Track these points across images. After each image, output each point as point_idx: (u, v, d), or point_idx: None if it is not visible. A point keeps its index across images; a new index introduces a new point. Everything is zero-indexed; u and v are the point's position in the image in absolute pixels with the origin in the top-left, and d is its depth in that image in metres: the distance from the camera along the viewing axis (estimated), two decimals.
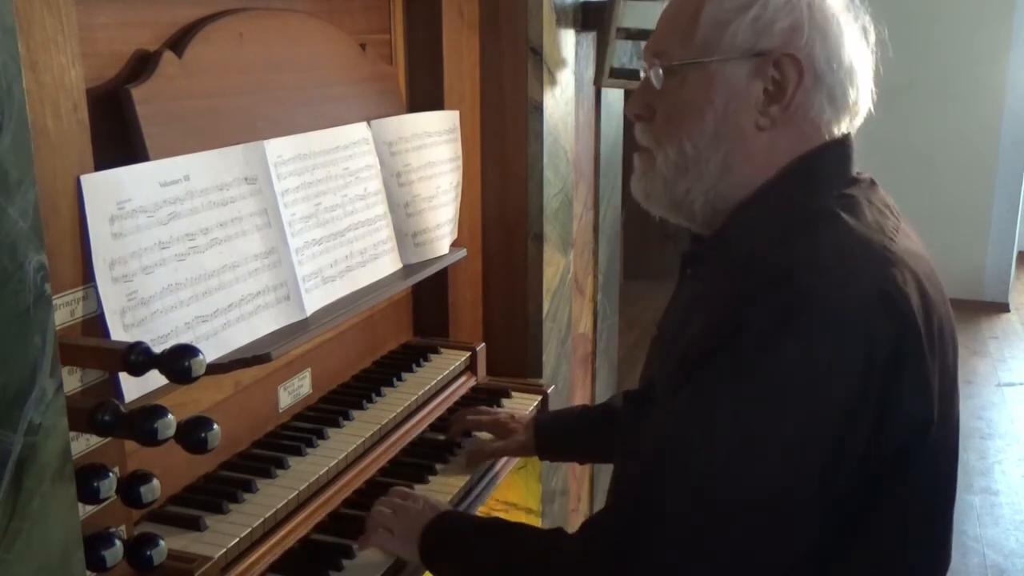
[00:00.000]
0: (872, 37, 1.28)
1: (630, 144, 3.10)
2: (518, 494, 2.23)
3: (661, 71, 1.26)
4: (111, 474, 1.01)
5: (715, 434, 1.13)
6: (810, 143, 1.25)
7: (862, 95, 1.27)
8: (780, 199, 1.24)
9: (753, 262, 1.18)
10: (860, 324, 1.09)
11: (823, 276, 1.11)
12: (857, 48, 1.25)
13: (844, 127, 1.27)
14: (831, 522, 1.15)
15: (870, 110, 1.29)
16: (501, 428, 1.85)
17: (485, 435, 1.87)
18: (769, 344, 1.10)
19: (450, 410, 1.95)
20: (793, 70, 1.20)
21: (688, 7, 1.26)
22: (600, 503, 2.76)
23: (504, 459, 1.86)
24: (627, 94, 2.71)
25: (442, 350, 2.07)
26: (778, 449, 1.11)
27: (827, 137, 1.25)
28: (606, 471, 2.91)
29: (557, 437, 1.82)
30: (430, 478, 1.70)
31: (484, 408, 1.94)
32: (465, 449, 1.81)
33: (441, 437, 1.85)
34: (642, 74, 1.34)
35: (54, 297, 0.94)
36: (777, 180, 1.24)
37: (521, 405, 2.04)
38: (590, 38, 2.45)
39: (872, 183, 1.28)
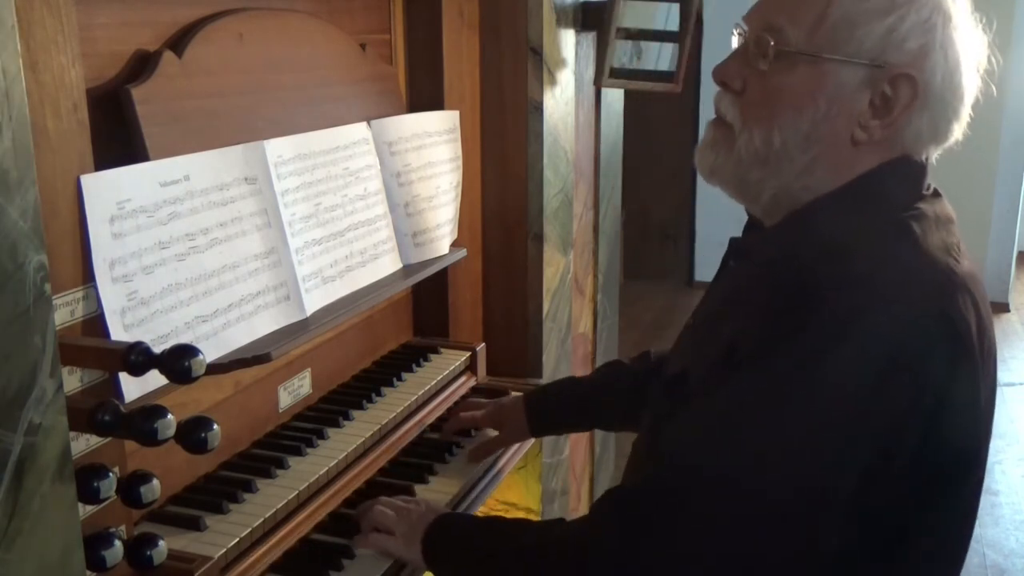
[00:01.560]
0: (983, 66, 1.23)
1: (630, 144, 3.11)
2: (518, 494, 2.23)
3: (772, 50, 1.17)
4: (111, 474, 1.01)
5: (757, 433, 1.11)
6: (891, 157, 1.21)
7: (961, 126, 1.22)
8: (848, 207, 1.19)
9: (810, 270, 1.13)
10: (917, 344, 1.07)
11: (886, 291, 1.09)
12: (971, 77, 1.21)
13: (932, 153, 1.24)
14: (861, 537, 1.14)
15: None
16: (497, 419, 1.84)
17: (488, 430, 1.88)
18: (824, 352, 1.07)
19: (450, 410, 1.95)
20: (908, 91, 1.15)
21: None
22: None
23: (505, 459, 1.86)
24: (627, 94, 2.72)
25: (442, 350, 2.07)
26: (817, 457, 1.09)
27: (912, 156, 1.21)
28: (606, 471, 2.91)
29: (548, 414, 1.80)
30: (430, 478, 1.70)
31: (475, 401, 1.93)
32: (466, 448, 1.81)
33: (437, 436, 1.85)
34: (736, 39, 1.24)
35: (54, 297, 0.94)
36: (848, 187, 1.20)
37: None
38: (590, 38, 2.45)
39: (936, 194, 1.25)
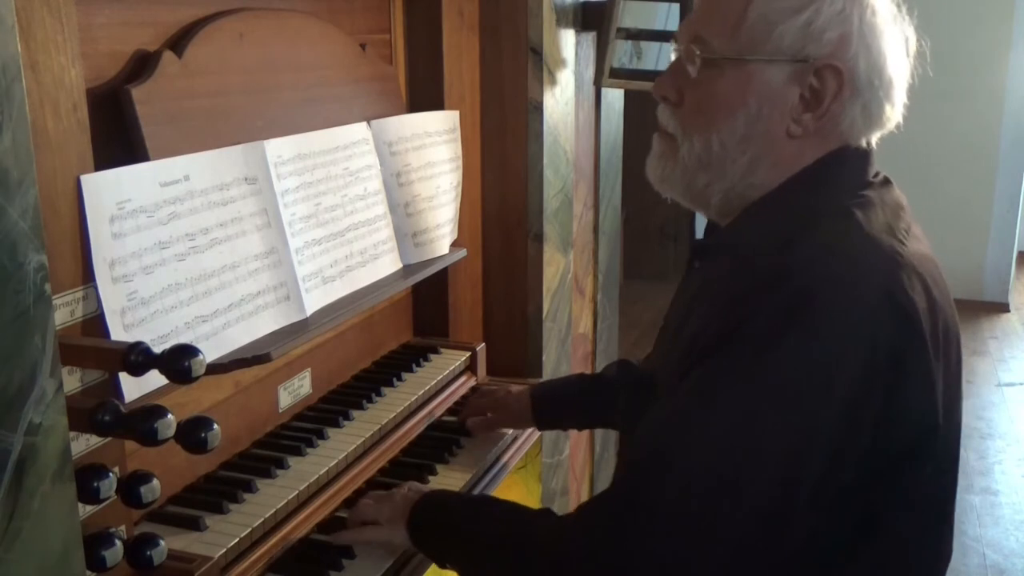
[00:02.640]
0: (912, 48, 1.26)
1: (630, 144, 3.11)
2: (518, 494, 2.23)
3: (699, 60, 1.22)
4: (111, 474, 1.01)
5: (715, 428, 1.13)
6: (835, 147, 1.24)
7: (896, 109, 1.25)
8: (793, 198, 1.23)
9: (760, 259, 1.17)
10: (864, 326, 1.09)
11: (829, 276, 1.11)
12: (898, 61, 1.23)
13: (870, 139, 1.26)
14: (832, 521, 1.15)
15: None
16: (501, 406, 1.87)
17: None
18: (772, 341, 1.10)
19: (450, 410, 1.95)
20: (834, 81, 1.19)
21: None
22: None
23: (504, 459, 1.86)
24: (627, 94, 2.72)
25: (442, 350, 2.07)
26: (777, 447, 1.11)
27: (851, 145, 1.24)
28: (606, 471, 2.91)
29: (553, 406, 1.83)
30: (430, 478, 1.69)
31: (484, 390, 1.97)
32: (466, 447, 1.81)
33: (438, 434, 1.86)
34: (673, 54, 1.29)
35: (54, 297, 0.94)
36: (793, 180, 1.23)
37: None
38: (590, 38, 2.45)
39: (886, 181, 1.28)
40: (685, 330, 1.26)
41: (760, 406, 1.11)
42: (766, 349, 1.10)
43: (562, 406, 1.83)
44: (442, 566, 1.43)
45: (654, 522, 1.13)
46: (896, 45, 1.23)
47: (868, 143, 1.27)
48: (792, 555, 1.15)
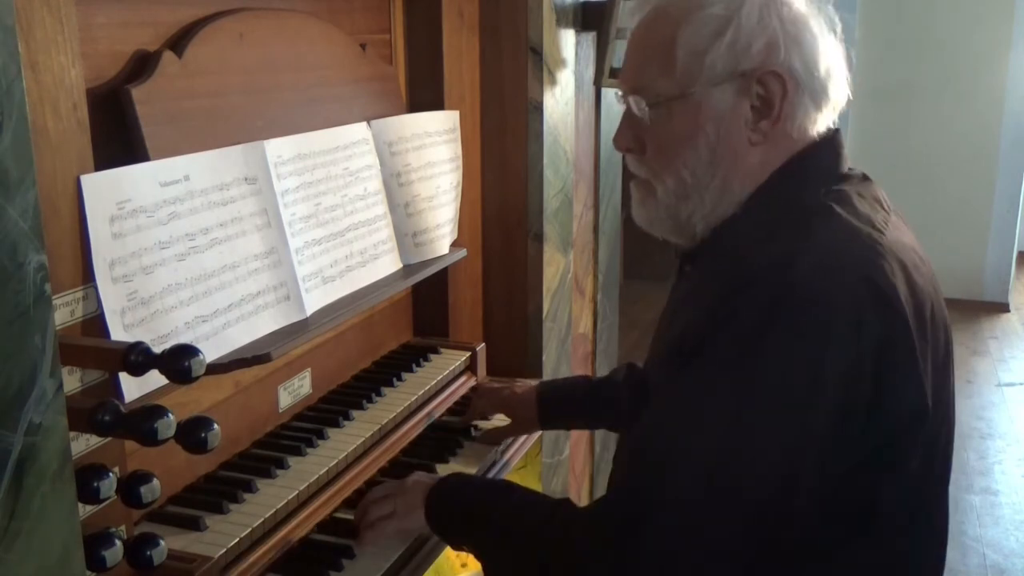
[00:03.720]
0: (839, 27, 1.30)
1: None
2: None
3: (646, 107, 1.28)
4: (111, 474, 1.01)
5: (706, 425, 1.14)
6: (801, 145, 1.27)
7: (840, 88, 1.29)
8: (770, 197, 1.26)
9: (743, 257, 1.20)
10: (849, 314, 1.11)
11: (810, 269, 1.13)
12: (829, 46, 1.27)
13: (829, 122, 1.29)
14: (827, 511, 1.16)
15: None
16: (509, 406, 1.88)
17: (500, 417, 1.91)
18: (757, 336, 1.12)
19: (450, 410, 1.95)
20: (777, 85, 1.22)
21: (657, 37, 1.27)
22: None
23: (504, 459, 1.86)
24: None
25: (442, 350, 2.07)
26: (770, 439, 1.12)
27: (816, 136, 1.28)
28: (606, 471, 2.91)
29: (559, 407, 1.85)
30: (424, 473, 1.69)
31: (488, 387, 1.97)
32: (466, 447, 1.82)
33: (438, 434, 1.86)
34: (621, 106, 1.34)
35: (54, 297, 0.94)
36: (769, 180, 1.26)
37: None
38: (590, 38, 2.45)
39: (864, 178, 1.31)
40: (672, 333, 1.29)
41: (750, 399, 1.12)
42: (752, 344, 1.12)
43: (568, 407, 1.85)
44: (458, 549, 1.46)
45: (655, 520, 1.14)
46: (821, 29, 1.27)
47: (836, 133, 1.30)
48: (790, 549, 1.16)
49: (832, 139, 1.29)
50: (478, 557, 1.41)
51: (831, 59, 1.27)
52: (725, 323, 1.14)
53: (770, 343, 1.11)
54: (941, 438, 1.25)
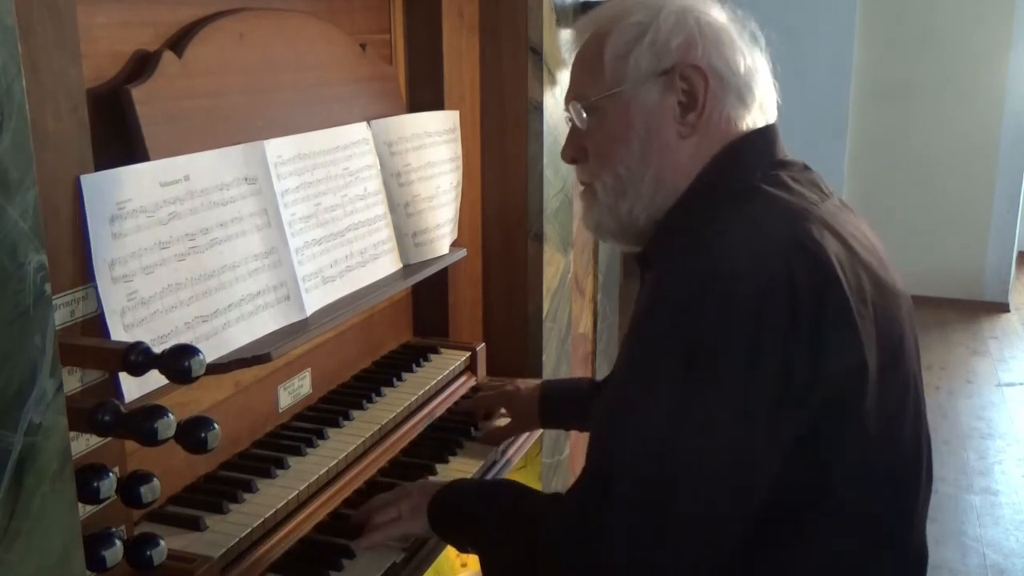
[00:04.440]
0: (763, 41, 1.37)
1: None
2: None
3: (583, 112, 1.36)
4: (111, 474, 1.01)
5: (651, 400, 1.16)
6: (732, 136, 1.32)
7: (767, 94, 1.35)
8: (703, 187, 1.31)
9: (678, 242, 1.26)
10: (781, 274, 1.13)
11: (737, 239, 1.18)
12: (751, 53, 1.34)
13: (760, 122, 1.34)
14: (783, 485, 1.17)
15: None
16: (511, 403, 1.90)
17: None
18: (690, 311, 1.14)
19: (450, 410, 1.95)
20: (699, 77, 1.29)
21: (591, 49, 1.37)
22: None
23: (505, 459, 1.86)
24: None
25: (442, 350, 2.07)
26: (713, 412, 1.13)
27: (746, 130, 1.32)
28: None
29: (561, 407, 1.87)
30: (430, 478, 1.70)
31: (491, 384, 1.99)
32: (466, 447, 1.82)
33: (438, 434, 1.86)
34: (567, 122, 1.42)
35: (54, 297, 0.94)
36: (702, 173, 1.32)
37: None
38: None
39: (805, 168, 1.35)
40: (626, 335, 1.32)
41: (690, 378, 1.13)
42: (687, 321, 1.14)
43: (569, 407, 1.86)
44: (462, 551, 1.49)
45: (615, 501, 1.16)
46: (741, 39, 1.34)
47: (771, 125, 1.35)
48: (757, 527, 1.17)
49: (766, 129, 1.34)
50: (480, 558, 1.42)
51: (753, 64, 1.33)
52: (660, 302, 1.19)
53: (704, 317, 1.13)
54: (907, 415, 1.25)
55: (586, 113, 1.36)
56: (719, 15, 1.35)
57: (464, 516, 1.44)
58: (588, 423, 1.96)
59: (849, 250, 1.21)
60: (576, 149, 1.41)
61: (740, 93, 1.31)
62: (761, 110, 1.34)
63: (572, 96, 1.40)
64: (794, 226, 1.19)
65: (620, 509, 1.16)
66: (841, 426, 1.18)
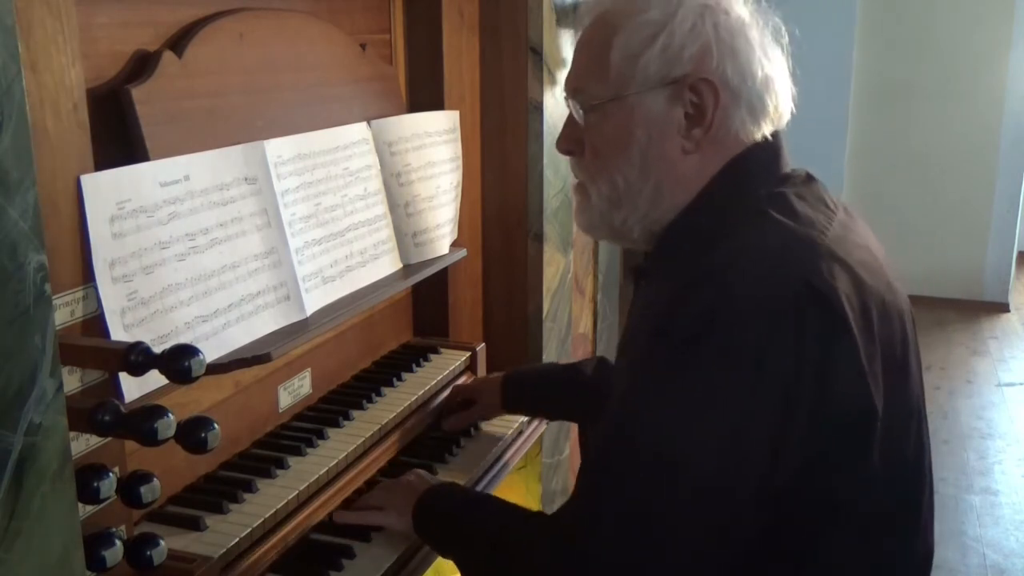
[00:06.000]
0: (785, 38, 1.31)
1: None
2: (518, 494, 2.23)
3: (582, 109, 1.30)
4: (111, 474, 1.01)
5: (652, 433, 1.15)
6: (736, 151, 1.27)
7: (782, 100, 1.29)
8: (708, 205, 1.26)
9: (683, 266, 1.20)
10: (788, 314, 1.11)
11: (746, 273, 1.14)
12: (770, 55, 1.27)
13: (768, 131, 1.28)
14: (789, 510, 1.16)
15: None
16: (476, 390, 1.91)
17: None
18: (697, 343, 1.12)
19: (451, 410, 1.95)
20: (709, 92, 1.22)
21: (596, 42, 1.28)
22: None
23: (504, 459, 1.86)
24: None
25: (442, 350, 2.07)
26: (715, 445, 1.12)
27: (751, 143, 1.27)
28: None
29: (523, 392, 1.88)
30: (423, 473, 1.69)
31: (458, 386, 1.97)
32: (465, 447, 1.82)
33: (438, 434, 1.86)
34: (566, 106, 1.36)
35: (54, 297, 0.94)
36: (705, 191, 1.27)
37: None
38: None
39: (808, 178, 1.30)
40: (628, 345, 1.32)
41: (693, 406, 1.12)
42: (693, 352, 1.12)
43: (532, 391, 1.88)
44: (443, 555, 1.48)
45: (606, 530, 1.15)
46: (762, 39, 1.27)
47: (775, 135, 1.29)
48: (747, 553, 1.16)
49: (768, 143, 1.28)
50: (459, 567, 1.43)
51: (770, 70, 1.26)
52: (665, 333, 1.15)
53: (708, 351, 1.11)
54: (910, 435, 1.24)
55: (585, 111, 1.30)
56: (741, 10, 1.27)
57: (447, 528, 1.44)
58: (552, 409, 1.95)
59: (857, 281, 1.17)
60: (573, 142, 1.35)
61: (752, 105, 1.25)
62: (771, 118, 1.28)
63: (573, 86, 1.33)
64: (802, 264, 1.14)
65: (612, 534, 1.15)
66: (847, 461, 1.16)
